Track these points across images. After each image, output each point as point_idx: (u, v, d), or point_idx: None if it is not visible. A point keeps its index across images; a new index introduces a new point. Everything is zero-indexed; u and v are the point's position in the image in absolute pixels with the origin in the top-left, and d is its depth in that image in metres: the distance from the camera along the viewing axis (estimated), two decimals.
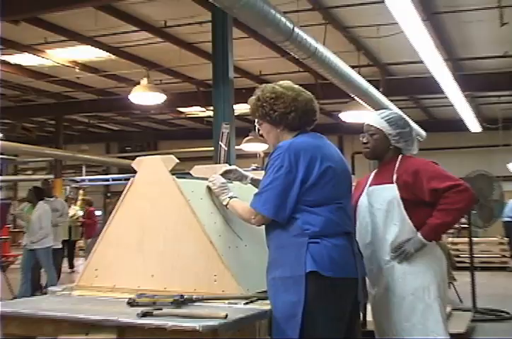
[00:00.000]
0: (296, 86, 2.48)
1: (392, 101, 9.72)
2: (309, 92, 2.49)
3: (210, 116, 10.63)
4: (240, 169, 2.71)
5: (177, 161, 2.55)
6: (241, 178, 2.70)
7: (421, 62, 7.47)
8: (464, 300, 6.59)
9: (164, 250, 2.49)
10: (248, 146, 12.67)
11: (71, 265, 11.07)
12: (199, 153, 14.80)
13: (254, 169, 5.14)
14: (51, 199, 8.07)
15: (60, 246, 8.09)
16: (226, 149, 3.00)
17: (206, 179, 2.63)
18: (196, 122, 15.04)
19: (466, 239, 7.90)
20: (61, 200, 8.80)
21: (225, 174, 2.64)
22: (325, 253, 2.20)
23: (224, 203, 2.50)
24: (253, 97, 2.48)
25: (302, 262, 2.18)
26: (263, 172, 2.37)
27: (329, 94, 10.20)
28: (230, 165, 2.74)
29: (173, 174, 2.54)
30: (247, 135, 12.48)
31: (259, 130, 2.52)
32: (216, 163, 3.06)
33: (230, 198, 2.49)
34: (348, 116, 10.37)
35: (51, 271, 7.33)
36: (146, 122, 16.16)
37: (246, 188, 2.68)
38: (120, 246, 2.58)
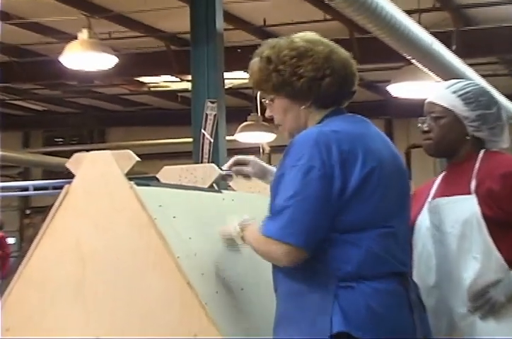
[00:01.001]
0: (324, 39, 2.49)
1: (470, 65, 9.74)
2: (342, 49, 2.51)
3: (187, 90, 10.66)
4: (260, 161, 2.72)
5: (137, 159, 2.58)
6: (262, 174, 2.72)
7: None
8: None
9: (115, 296, 2.51)
10: (246, 136, 12.71)
11: None
12: (170, 147, 14.85)
13: None
14: None
15: None
16: (212, 140, 3.03)
17: (181, 186, 2.65)
18: (166, 99, 15.09)
19: None
20: None
21: (237, 166, 2.67)
22: (363, 303, 2.21)
23: (239, 241, 2.46)
24: (257, 59, 2.46)
25: (327, 318, 2.19)
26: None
27: (372, 56, 10.20)
28: (217, 165, 2.77)
29: (131, 179, 2.57)
30: (245, 120, 12.52)
31: (264, 110, 2.53)
32: (197, 162, 3.09)
33: (242, 228, 2.41)
34: (401, 90, 10.41)
35: None
36: (88, 99, 16.19)
37: (243, 199, 2.70)
38: (47, 290, 2.59)
